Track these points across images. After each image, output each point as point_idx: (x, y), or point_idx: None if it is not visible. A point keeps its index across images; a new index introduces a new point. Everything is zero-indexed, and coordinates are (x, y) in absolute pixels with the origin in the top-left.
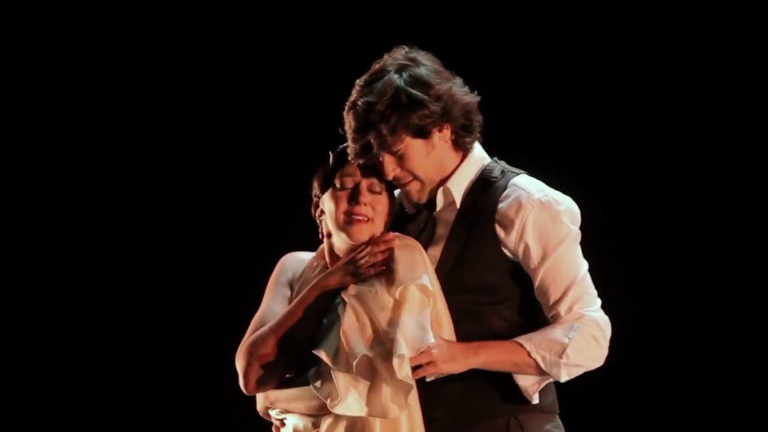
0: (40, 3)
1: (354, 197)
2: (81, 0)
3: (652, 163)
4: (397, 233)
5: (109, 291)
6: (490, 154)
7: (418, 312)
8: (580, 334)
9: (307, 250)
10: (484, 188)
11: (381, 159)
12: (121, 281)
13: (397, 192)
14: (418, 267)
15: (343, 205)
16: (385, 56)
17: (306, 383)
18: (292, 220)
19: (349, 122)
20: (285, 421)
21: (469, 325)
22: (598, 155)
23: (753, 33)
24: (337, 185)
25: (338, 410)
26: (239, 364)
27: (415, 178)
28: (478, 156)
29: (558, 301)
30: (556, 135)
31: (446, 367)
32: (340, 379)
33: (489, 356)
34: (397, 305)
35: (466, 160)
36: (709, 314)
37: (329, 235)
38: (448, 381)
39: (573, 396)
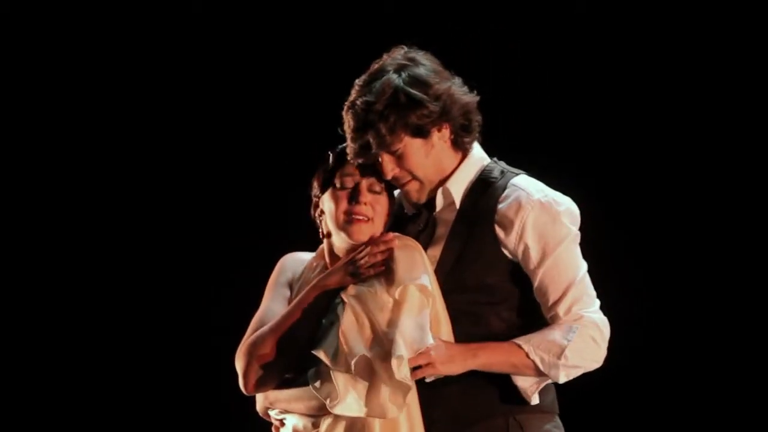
0: (40, 3)
1: (354, 197)
2: (81, 0)
3: (652, 163)
4: (396, 234)
5: (110, 291)
6: (490, 154)
7: (417, 313)
8: (579, 336)
9: (307, 250)
10: (484, 189)
11: (380, 159)
12: (121, 281)
13: (396, 192)
14: (418, 267)
15: (343, 205)
16: (385, 56)
17: (305, 383)
18: (292, 220)
19: (347, 122)
20: (284, 421)
21: (468, 326)
22: (598, 155)
23: (753, 33)
24: (337, 185)
25: (337, 410)
26: (239, 365)
27: (414, 177)
28: (478, 156)
29: (557, 302)
30: (556, 135)
31: (444, 369)
32: (339, 379)
33: (487, 358)
34: (397, 305)
35: (466, 161)
36: (708, 314)
37: (329, 235)
38: (448, 381)
39: (573, 396)
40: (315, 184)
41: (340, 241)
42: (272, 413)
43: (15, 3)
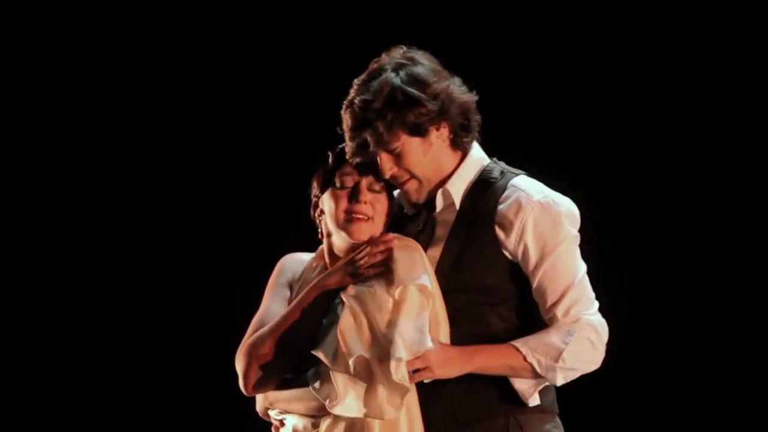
0: (40, 3)
1: (354, 196)
2: (81, 0)
3: (651, 163)
4: (396, 234)
5: (110, 291)
6: (490, 154)
7: (416, 314)
8: (577, 338)
9: (307, 250)
10: (484, 189)
11: (378, 157)
12: (121, 281)
13: (396, 193)
14: (418, 267)
15: (343, 204)
16: (383, 55)
17: (305, 384)
18: (292, 220)
19: (346, 120)
20: (284, 422)
21: (468, 326)
22: (598, 155)
23: (753, 33)
24: (337, 184)
25: (337, 411)
26: (239, 365)
27: (413, 176)
28: (478, 157)
29: (555, 304)
30: (555, 135)
31: (441, 372)
32: (339, 380)
33: (484, 361)
34: (396, 306)
35: (465, 161)
36: (708, 314)
37: (329, 235)
38: (448, 381)
39: (573, 396)
40: (314, 184)
41: (340, 241)
42: (272, 413)
43: (15, 3)
